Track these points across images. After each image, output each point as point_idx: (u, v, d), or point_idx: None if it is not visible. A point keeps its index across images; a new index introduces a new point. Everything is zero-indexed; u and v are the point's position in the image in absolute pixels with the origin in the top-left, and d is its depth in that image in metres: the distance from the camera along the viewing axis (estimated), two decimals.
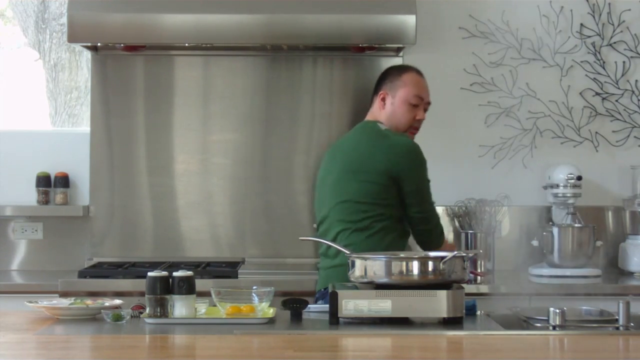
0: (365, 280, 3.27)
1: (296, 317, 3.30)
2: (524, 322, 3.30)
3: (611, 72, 4.96)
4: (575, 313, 3.29)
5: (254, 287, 3.34)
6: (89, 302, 3.39)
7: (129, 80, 4.88)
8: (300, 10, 4.51)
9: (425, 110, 4.29)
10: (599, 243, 4.72)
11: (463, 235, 4.70)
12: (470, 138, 4.92)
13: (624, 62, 4.96)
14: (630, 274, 4.69)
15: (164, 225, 4.87)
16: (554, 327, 3.16)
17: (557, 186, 4.72)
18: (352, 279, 3.32)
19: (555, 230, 4.63)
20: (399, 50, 4.81)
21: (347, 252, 3.39)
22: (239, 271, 4.38)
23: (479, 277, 4.40)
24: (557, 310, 3.17)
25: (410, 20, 4.49)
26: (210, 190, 4.88)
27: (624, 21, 4.95)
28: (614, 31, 4.95)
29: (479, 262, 4.57)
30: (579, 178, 4.69)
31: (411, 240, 4.14)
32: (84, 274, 4.38)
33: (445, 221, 4.85)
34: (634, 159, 4.90)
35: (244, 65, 4.89)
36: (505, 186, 4.84)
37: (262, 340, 3.02)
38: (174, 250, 4.86)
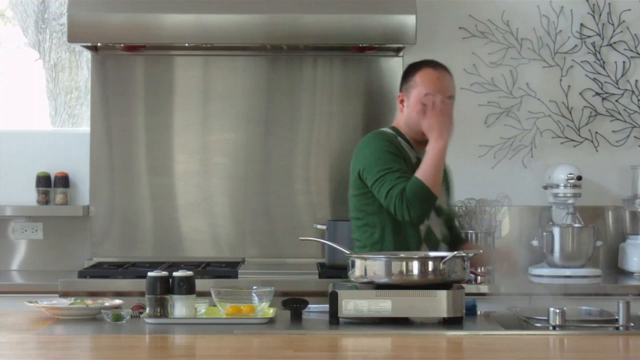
0: (365, 280, 3.27)
1: (296, 317, 3.30)
2: (524, 322, 3.30)
3: (611, 72, 4.96)
4: (575, 313, 3.29)
5: (254, 287, 3.34)
6: (89, 302, 3.39)
7: (129, 80, 4.88)
8: (300, 10, 4.51)
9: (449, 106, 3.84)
10: (599, 243, 4.72)
11: (463, 235, 4.70)
12: (470, 138, 4.92)
13: (624, 62, 4.96)
14: (630, 274, 4.69)
15: (164, 225, 4.87)
16: (554, 327, 3.16)
17: (557, 186, 4.72)
18: (352, 279, 3.32)
19: (555, 230, 4.63)
20: (399, 50, 4.81)
21: (347, 252, 3.39)
22: (239, 271, 4.38)
23: (479, 277, 4.40)
24: (557, 310, 3.17)
25: (410, 20, 4.49)
26: (210, 190, 4.88)
27: (624, 21, 4.95)
28: (614, 31, 4.95)
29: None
30: (579, 178, 4.69)
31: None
32: (84, 274, 4.38)
33: None
34: (634, 159, 4.90)
35: (244, 65, 4.89)
36: (505, 186, 4.84)
37: (262, 340, 3.02)
38: (174, 250, 4.86)
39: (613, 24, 4.95)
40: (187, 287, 3.24)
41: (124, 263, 4.60)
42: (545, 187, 4.78)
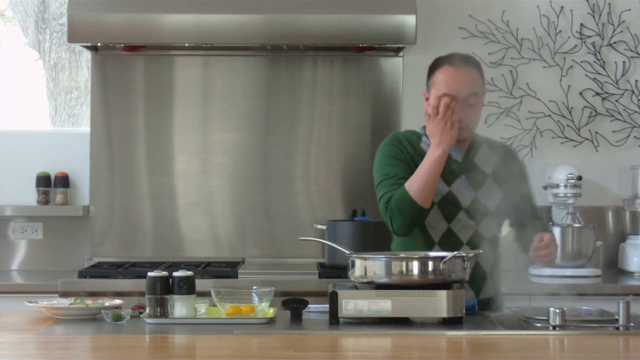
0: (365, 280, 3.27)
1: (296, 317, 3.29)
2: (524, 322, 3.30)
3: (611, 72, 4.96)
4: (575, 313, 3.29)
5: (254, 287, 3.34)
6: (89, 302, 3.39)
7: (129, 80, 4.88)
8: (300, 10, 4.51)
9: (471, 105, 3.63)
10: (599, 243, 4.72)
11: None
12: None
13: (624, 62, 4.96)
14: (630, 274, 4.69)
15: (164, 225, 4.87)
16: (554, 327, 3.16)
17: (557, 186, 4.72)
18: (352, 279, 3.32)
19: (555, 230, 4.63)
20: (399, 50, 4.81)
21: (347, 252, 3.39)
22: (239, 271, 4.38)
23: None
24: (557, 310, 3.17)
25: (410, 20, 4.49)
26: (210, 190, 4.88)
27: (624, 21, 4.95)
28: (614, 31, 4.95)
29: None
30: (579, 178, 4.69)
31: None
32: (84, 274, 4.38)
33: None
34: (634, 159, 4.90)
35: (244, 65, 4.89)
36: None
37: (262, 340, 3.02)
38: (174, 250, 4.86)
39: (613, 24, 4.95)
40: (187, 287, 3.23)
41: (124, 263, 4.60)
42: (545, 187, 4.78)
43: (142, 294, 3.30)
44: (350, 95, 4.88)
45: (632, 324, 3.20)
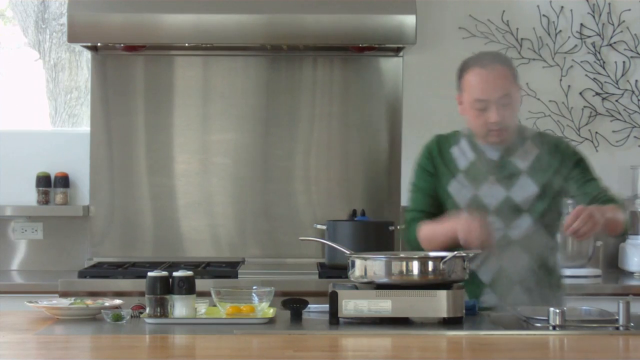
0: (365, 280, 3.27)
1: (296, 317, 3.29)
2: (524, 322, 3.30)
3: (611, 72, 4.96)
4: (575, 313, 3.29)
5: (254, 287, 3.34)
6: (89, 302, 3.39)
7: (129, 80, 4.88)
8: (300, 10, 4.51)
9: (506, 105, 3.54)
10: (599, 243, 4.72)
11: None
12: None
13: (624, 62, 4.96)
14: (630, 274, 4.69)
15: (164, 225, 4.87)
16: (554, 327, 3.16)
17: None
18: (352, 279, 3.32)
19: None
20: (398, 50, 4.81)
21: (347, 252, 3.39)
22: (239, 271, 4.38)
23: None
24: (557, 310, 3.17)
25: (410, 20, 4.49)
26: (211, 190, 4.89)
27: (624, 21, 4.95)
28: (614, 31, 4.95)
29: None
30: None
31: None
32: (84, 274, 4.38)
33: None
34: (634, 159, 4.90)
35: (244, 65, 4.89)
36: None
37: (262, 340, 3.02)
38: (174, 250, 4.86)
39: (613, 24, 4.95)
40: (187, 287, 3.23)
41: (124, 263, 4.60)
42: None
43: (142, 294, 3.30)
44: (350, 95, 4.88)
45: (632, 324, 3.20)
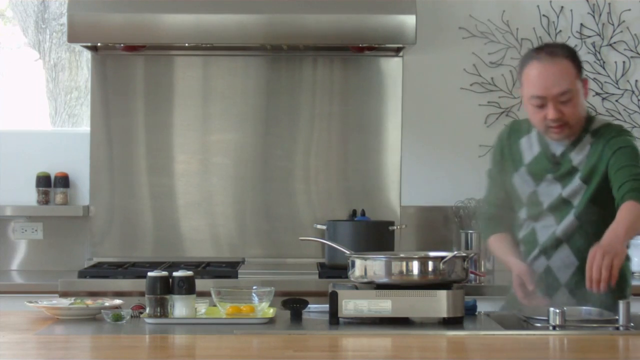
0: (365, 280, 3.27)
1: (296, 317, 3.30)
2: (524, 322, 3.30)
3: (611, 72, 4.96)
4: (575, 313, 3.29)
5: (254, 287, 3.34)
6: (89, 302, 3.39)
7: (129, 80, 4.88)
8: (300, 10, 4.51)
9: (565, 101, 3.42)
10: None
11: (463, 235, 4.70)
12: (470, 138, 4.92)
13: (624, 62, 4.96)
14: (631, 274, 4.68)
15: (164, 225, 4.87)
16: (554, 327, 3.16)
17: None
18: (352, 279, 3.32)
19: None
20: (399, 50, 4.81)
21: (347, 252, 3.39)
22: (239, 271, 4.38)
23: (479, 277, 4.40)
24: (557, 310, 3.17)
25: (410, 20, 4.49)
26: (210, 190, 4.89)
27: (624, 21, 4.95)
28: (614, 31, 4.95)
29: (479, 262, 4.59)
30: None
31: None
32: (84, 274, 4.38)
33: (445, 221, 4.87)
34: None
35: (244, 65, 4.89)
36: None
37: (262, 340, 3.02)
38: (174, 250, 4.86)
39: (613, 24, 4.95)
40: (187, 287, 3.23)
41: (124, 263, 4.60)
42: None
43: (142, 294, 3.30)
44: (350, 95, 4.88)
45: (632, 324, 3.20)
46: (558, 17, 4.94)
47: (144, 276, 3.28)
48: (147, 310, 3.24)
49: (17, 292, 4.31)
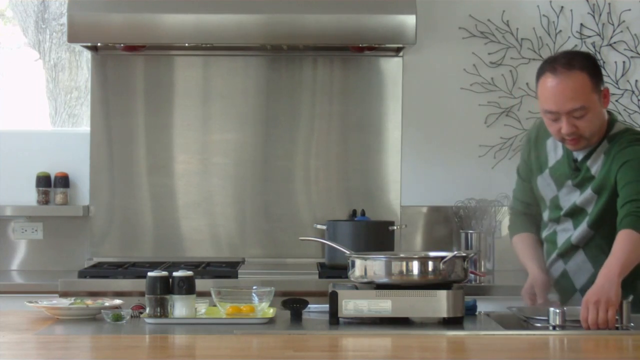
0: (365, 280, 3.27)
1: (296, 317, 3.30)
2: (524, 322, 3.30)
3: (611, 72, 4.95)
4: (575, 313, 3.29)
5: (254, 287, 3.34)
6: (89, 302, 3.39)
7: (129, 80, 4.88)
8: (300, 10, 4.51)
9: (579, 117, 3.36)
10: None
11: (463, 235, 4.70)
12: (470, 138, 4.92)
13: (624, 62, 4.96)
14: None
15: (164, 225, 4.87)
16: (554, 327, 3.16)
17: None
18: (352, 279, 3.32)
19: None
20: (398, 50, 4.81)
21: (347, 252, 3.39)
22: (239, 271, 4.38)
23: (479, 277, 4.40)
24: (557, 310, 3.17)
25: (410, 20, 4.49)
26: (211, 190, 4.88)
27: (624, 21, 4.95)
28: (614, 31, 4.95)
29: (479, 262, 4.59)
30: None
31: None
32: (84, 274, 4.38)
33: (445, 221, 4.86)
34: None
35: (244, 65, 4.89)
36: (505, 186, 4.82)
37: (262, 340, 3.02)
38: (174, 250, 4.86)
39: (613, 24, 4.95)
40: (187, 287, 3.24)
41: (124, 263, 4.60)
42: None
43: (142, 294, 3.30)
44: (350, 95, 4.88)
45: (632, 324, 3.20)
46: (558, 17, 4.94)
47: (144, 276, 3.28)
48: (147, 310, 3.24)
49: (17, 292, 4.31)
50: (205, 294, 3.39)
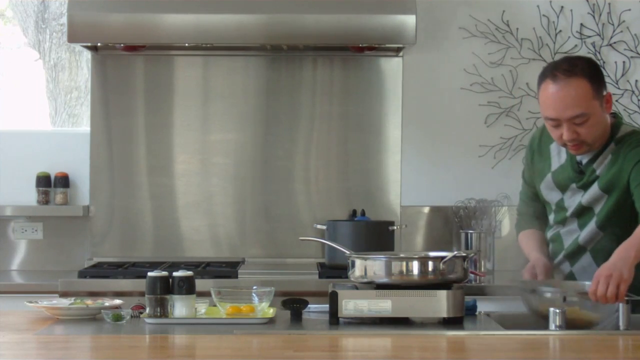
0: (365, 280, 3.27)
1: (296, 317, 3.30)
2: (532, 292, 3.28)
3: (611, 72, 4.95)
4: (579, 287, 3.29)
5: (254, 287, 3.34)
6: (89, 302, 3.39)
7: (129, 80, 4.88)
8: (300, 10, 4.51)
9: (580, 123, 3.36)
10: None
11: (463, 235, 4.70)
12: (470, 138, 4.92)
13: (624, 62, 4.96)
14: None
15: (164, 225, 4.87)
16: (564, 299, 3.16)
17: None
18: (352, 279, 3.32)
19: None
20: (399, 50, 4.81)
21: (347, 252, 3.39)
22: (239, 271, 4.38)
23: (479, 277, 4.40)
24: (557, 311, 3.17)
25: (410, 20, 4.49)
26: (210, 190, 4.88)
27: (624, 21, 4.95)
28: (614, 31, 4.95)
29: (479, 262, 4.58)
30: None
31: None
32: (84, 274, 4.38)
33: (445, 221, 4.86)
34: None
35: (244, 65, 4.89)
36: (505, 186, 4.84)
37: (262, 340, 3.02)
38: (174, 250, 4.86)
39: (613, 24, 4.95)
40: (187, 287, 3.24)
41: (124, 263, 4.60)
42: None
43: (142, 294, 3.30)
44: (350, 95, 4.88)
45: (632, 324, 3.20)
46: (558, 17, 4.94)
47: (144, 276, 3.28)
48: (147, 310, 3.24)
49: (17, 292, 4.31)
50: (205, 294, 3.39)
